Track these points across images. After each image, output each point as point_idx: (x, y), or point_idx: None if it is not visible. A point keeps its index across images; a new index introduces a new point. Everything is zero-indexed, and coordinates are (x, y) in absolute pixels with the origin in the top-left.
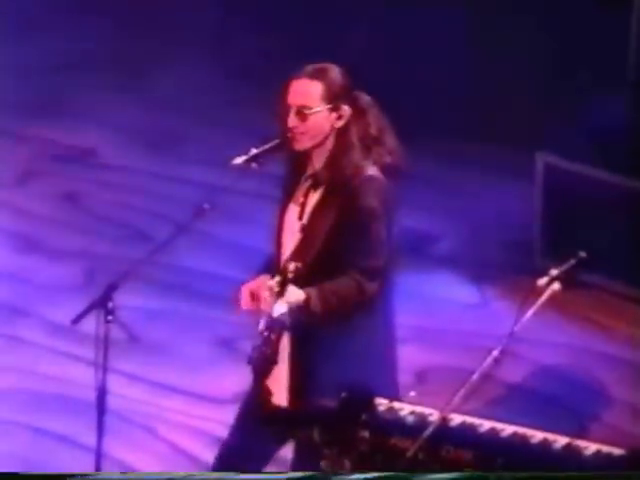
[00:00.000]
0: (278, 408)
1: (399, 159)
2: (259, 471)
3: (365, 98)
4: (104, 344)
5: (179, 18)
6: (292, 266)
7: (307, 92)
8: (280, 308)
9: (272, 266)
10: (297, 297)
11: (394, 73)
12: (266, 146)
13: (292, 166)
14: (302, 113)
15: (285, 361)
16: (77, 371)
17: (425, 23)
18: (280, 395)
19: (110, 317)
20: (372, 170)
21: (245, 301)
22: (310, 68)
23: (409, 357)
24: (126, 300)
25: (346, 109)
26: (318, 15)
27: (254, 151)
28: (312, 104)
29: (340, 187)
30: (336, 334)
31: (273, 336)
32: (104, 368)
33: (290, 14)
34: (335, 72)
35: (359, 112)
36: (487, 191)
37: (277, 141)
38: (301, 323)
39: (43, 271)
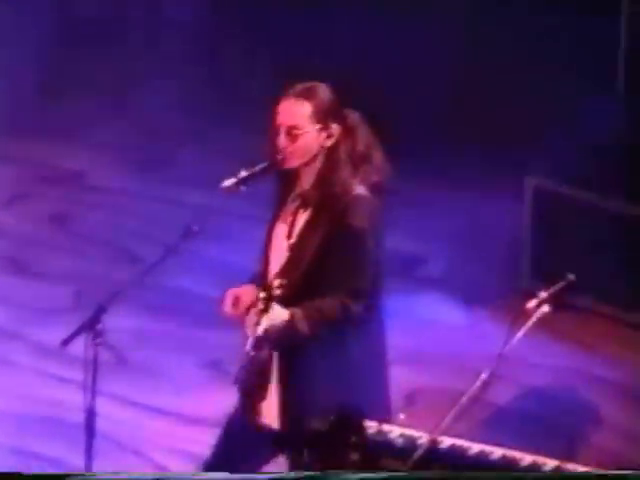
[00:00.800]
0: (267, 428)
1: (386, 176)
2: (255, 472)
3: (353, 115)
4: (93, 366)
5: (167, 38)
6: (277, 282)
7: (296, 112)
8: (264, 326)
9: (258, 283)
10: (281, 316)
11: (378, 91)
12: (255, 168)
13: (281, 185)
14: (292, 133)
15: (274, 381)
16: (66, 393)
17: (410, 38)
18: (270, 415)
19: (99, 339)
20: (360, 189)
21: (227, 305)
22: (298, 88)
23: (398, 379)
24: (115, 322)
25: (335, 128)
26: (306, 33)
27: (243, 173)
28: (301, 124)
29: (328, 206)
30: (326, 355)
31: (260, 356)
32: (93, 390)
33: (279, 31)
34: (323, 91)
35: (347, 129)
36: (475, 212)
37: (266, 163)
38: (288, 343)
39: (31, 293)
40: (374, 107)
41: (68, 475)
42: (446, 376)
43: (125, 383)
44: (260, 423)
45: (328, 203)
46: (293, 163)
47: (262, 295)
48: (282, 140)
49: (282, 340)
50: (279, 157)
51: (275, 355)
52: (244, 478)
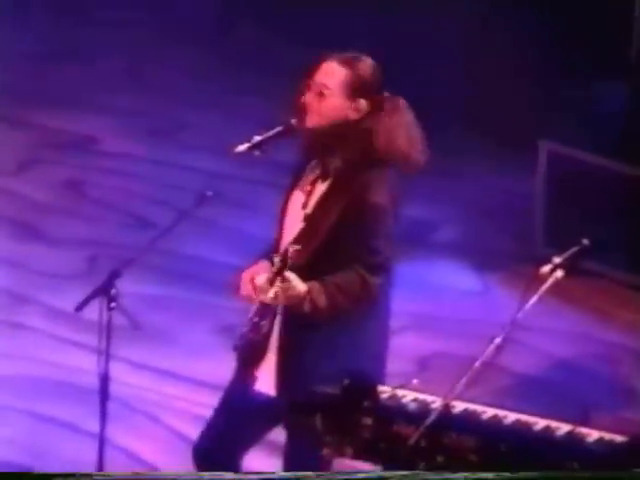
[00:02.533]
0: (263, 395)
1: (417, 167)
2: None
3: (397, 101)
4: (107, 331)
5: (180, 5)
6: (292, 249)
7: (332, 74)
8: (273, 292)
9: (272, 254)
10: (299, 288)
11: (394, 61)
12: (269, 133)
13: (301, 152)
14: (321, 92)
15: (274, 349)
16: (80, 358)
17: (426, 11)
18: (266, 383)
19: (113, 304)
20: (384, 167)
21: (245, 287)
22: (345, 55)
23: (411, 345)
24: (129, 287)
25: (363, 103)
26: (319, 3)
27: (257, 138)
28: (333, 87)
29: (349, 180)
30: (330, 322)
31: (262, 323)
32: (107, 355)
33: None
34: (367, 65)
35: (385, 111)
36: (489, 178)
37: (280, 128)
38: (296, 313)
39: (46, 259)
40: (388, 80)
41: (73, 475)
42: (459, 342)
43: (139, 348)
44: (256, 390)
45: (349, 177)
46: (312, 122)
47: (277, 260)
48: (309, 96)
49: (298, 312)
50: (294, 121)
51: (277, 322)
52: (245, 478)
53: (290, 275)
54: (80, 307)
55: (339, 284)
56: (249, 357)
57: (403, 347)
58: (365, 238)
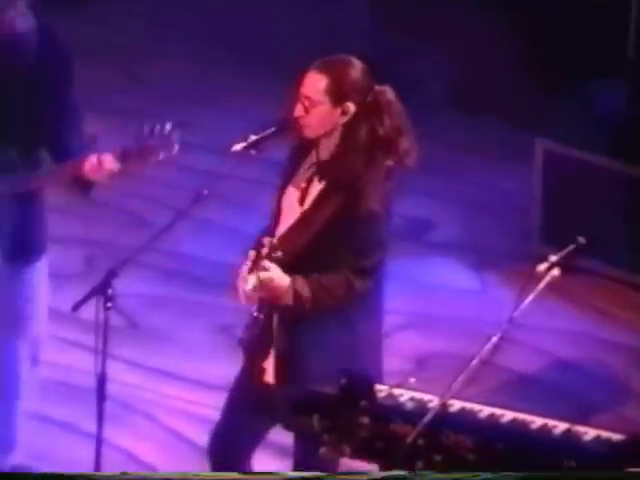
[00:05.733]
0: (272, 388)
1: (411, 161)
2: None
3: (386, 95)
4: (104, 330)
5: (183, 3)
6: (267, 240)
7: (312, 84)
8: (251, 282)
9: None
10: (281, 281)
11: (392, 53)
12: (265, 132)
13: (296, 150)
14: (305, 105)
15: (274, 344)
16: (77, 358)
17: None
18: (270, 377)
19: (109, 304)
20: (377, 171)
21: (241, 297)
22: (322, 61)
23: (409, 343)
24: (125, 287)
25: (349, 106)
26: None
27: (253, 137)
28: (315, 97)
29: (343, 183)
30: (325, 319)
31: (263, 318)
32: (104, 355)
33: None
34: (348, 66)
35: (374, 109)
36: (486, 176)
37: (275, 127)
38: (289, 309)
39: None
40: (384, 73)
41: (70, 476)
42: (457, 341)
43: (136, 347)
44: (262, 384)
45: (343, 180)
46: (309, 135)
47: (252, 253)
48: (298, 109)
49: (283, 305)
50: (288, 121)
51: (275, 318)
52: (245, 478)
53: (269, 265)
54: (77, 307)
55: (323, 282)
56: (254, 351)
57: (400, 345)
58: (356, 242)
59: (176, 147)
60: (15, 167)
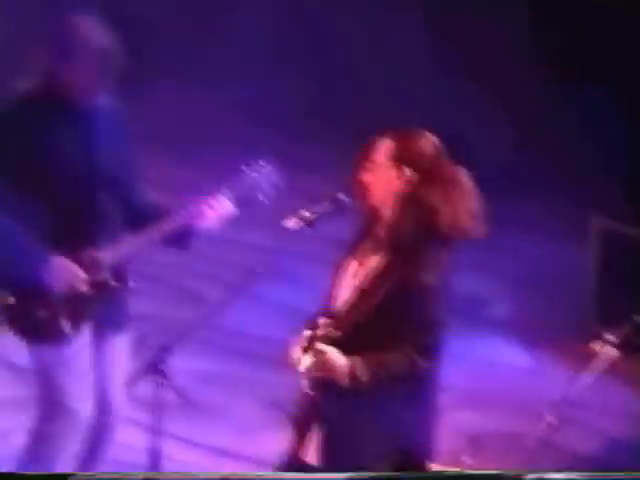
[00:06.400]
0: (310, 467)
1: (473, 235)
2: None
3: (455, 172)
4: (157, 407)
5: (237, 81)
6: (322, 321)
7: (380, 149)
8: (305, 363)
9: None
10: (338, 363)
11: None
12: (319, 209)
13: (357, 225)
14: (369, 168)
15: (320, 421)
16: (131, 434)
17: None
18: (313, 454)
19: (163, 380)
20: (435, 244)
21: (291, 359)
22: (398, 130)
23: (462, 421)
24: (179, 363)
25: (409, 174)
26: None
27: (307, 214)
28: (378, 159)
29: (399, 257)
30: (377, 396)
31: (312, 394)
32: (157, 431)
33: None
34: (417, 137)
35: (441, 183)
36: (540, 252)
37: (331, 204)
38: (346, 388)
39: None
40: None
41: (68, 475)
42: (511, 419)
43: (189, 424)
44: (304, 462)
45: (400, 253)
46: (366, 199)
47: (306, 333)
48: (362, 174)
49: (340, 385)
50: (344, 197)
51: (325, 394)
52: (246, 478)
53: (325, 347)
54: (130, 383)
55: (382, 362)
56: (301, 428)
57: (454, 423)
58: (414, 317)
59: (277, 183)
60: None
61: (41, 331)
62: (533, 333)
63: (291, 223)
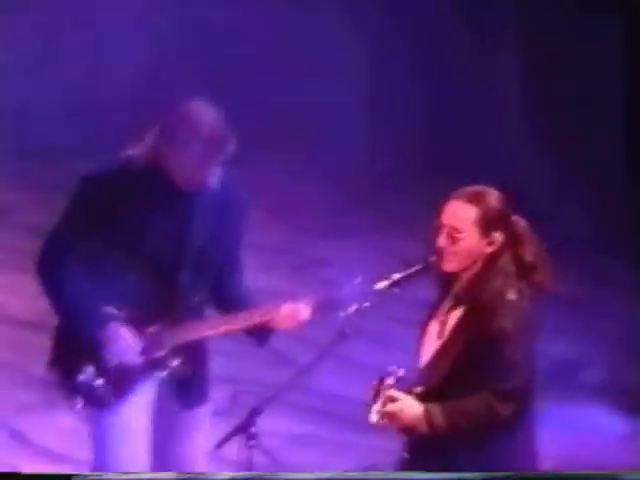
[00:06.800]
0: None
1: (552, 285)
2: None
3: (522, 223)
4: (246, 469)
5: (319, 142)
6: (390, 369)
7: (461, 215)
8: (373, 416)
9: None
10: (412, 411)
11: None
12: (409, 270)
13: (439, 284)
14: (453, 235)
15: None
16: None
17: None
18: None
19: (252, 442)
20: (512, 294)
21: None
22: (468, 190)
23: None
24: (268, 424)
25: (498, 237)
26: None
27: (397, 276)
28: (465, 228)
29: (478, 310)
30: (473, 456)
31: (408, 456)
32: None
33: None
34: (493, 198)
35: (514, 238)
36: (636, 312)
37: (420, 266)
38: (425, 438)
39: None
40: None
41: (70, 475)
42: None
43: None
44: None
45: (477, 307)
46: (450, 266)
47: (374, 383)
48: (442, 240)
49: (417, 434)
50: (433, 259)
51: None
52: (246, 478)
53: (399, 395)
54: (221, 444)
55: (462, 408)
56: None
57: None
58: (490, 364)
59: (368, 301)
60: (199, 310)
61: (86, 394)
62: (631, 398)
63: (381, 284)
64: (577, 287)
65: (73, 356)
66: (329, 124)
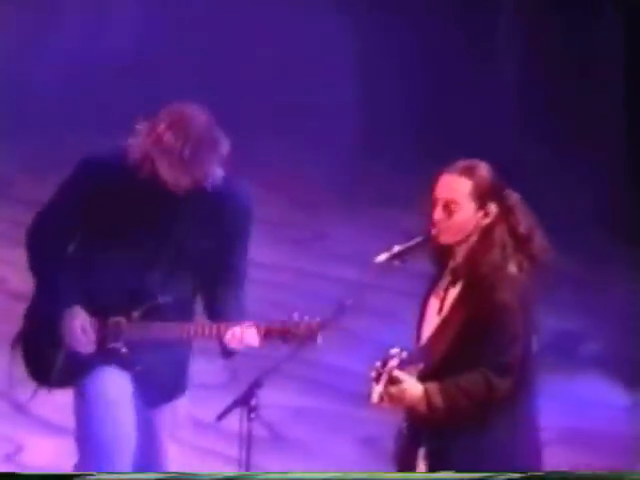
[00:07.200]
0: None
1: (547, 257)
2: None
3: (514, 196)
4: (247, 441)
5: (324, 119)
6: (393, 351)
7: (456, 188)
8: (376, 393)
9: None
10: (413, 391)
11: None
12: (409, 243)
13: (436, 260)
14: (449, 208)
15: (421, 455)
16: (221, 468)
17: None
18: None
19: (253, 414)
20: (511, 268)
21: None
22: (461, 164)
23: (557, 460)
24: (269, 397)
25: (492, 208)
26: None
27: (397, 248)
28: (459, 200)
29: (476, 284)
30: (471, 433)
31: (406, 430)
32: (247, 466)
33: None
34: (485, 170)
35: (507, 210)
36: (635, 289)
37: (420, 238)
38: (425, 417)
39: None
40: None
41: (70, 475)
42: (606, 458)
43: (279, 459)
44: None
45: (476, 281)
46: (447, 239)
47: (378, 364)
48: (438, 213)
49: (418, 413)
50: (433, 231)
51: (423, 430)
52: (246, 477)
53: (402, 376)
54: (221, 417)
55: (461, 385)
56: (402, 464)
57: (548, 461)
58: (489, 337)
59: (319, 342)
60: (168, 311)
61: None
62: (630, 370)
63: (382, 257)
64: (576, 262)
65: (38, 334)
66: (329, 108)
